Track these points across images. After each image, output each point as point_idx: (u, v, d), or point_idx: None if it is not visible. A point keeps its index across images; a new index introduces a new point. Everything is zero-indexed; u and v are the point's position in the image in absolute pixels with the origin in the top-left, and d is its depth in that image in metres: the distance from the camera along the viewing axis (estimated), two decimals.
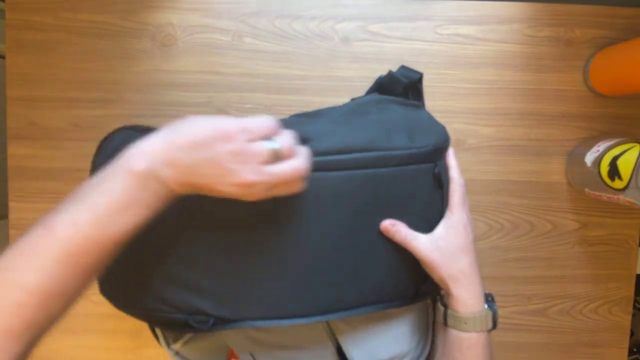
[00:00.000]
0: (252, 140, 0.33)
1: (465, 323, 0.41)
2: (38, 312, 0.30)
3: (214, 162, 0.32)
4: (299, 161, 0.35)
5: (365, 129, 0.44)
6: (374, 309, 0.45)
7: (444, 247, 0.41)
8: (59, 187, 0.60)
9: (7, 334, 0.29)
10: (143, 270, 0.45)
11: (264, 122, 0.34)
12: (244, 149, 0.32)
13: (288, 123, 0.47)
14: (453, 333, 0.42)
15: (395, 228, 0.42)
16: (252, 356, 0.49)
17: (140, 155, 0.32)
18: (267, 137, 0.34)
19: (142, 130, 0.48)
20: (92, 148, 0.50)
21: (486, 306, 0.43)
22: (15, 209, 0.60)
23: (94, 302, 0.61)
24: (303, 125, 0.45)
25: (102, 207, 0.31)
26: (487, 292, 0.44)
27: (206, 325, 0.44)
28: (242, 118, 0.34)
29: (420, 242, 0.41)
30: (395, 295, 0.46)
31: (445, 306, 0.43)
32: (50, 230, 0.30)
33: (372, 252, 0.44)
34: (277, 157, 0.34)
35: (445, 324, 0.43)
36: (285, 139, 0.34)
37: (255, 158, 0.33)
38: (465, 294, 0.41)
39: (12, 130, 0.59)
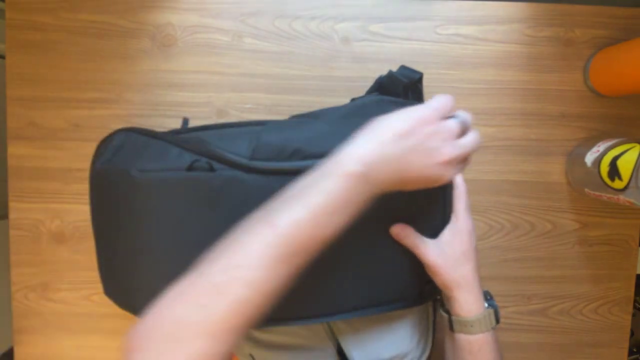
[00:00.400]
0: (443, 118, 0.36)
1: (472, 326, 0.42)
2: (256, 310, 0.30)
3: (420, 146, 0.34)
4: (476, 132, 0.37)
5: None
6: (376, 311, 0.45)
7: (449, 252, 0.42)
8: (59, 187, 0.60)
9: (228, 331, 0.29)
10: (146, 271, 0.45)
11: (445, 99, 0.37)
12: (440, 128, 0.35)
13: (287, 124, 0.47)
14: (461, 337, 0.43)
15: (405, 232, 0.42)
16: (252, 357, 0.49)
17: (354, 158, 0.33)
18: (449, 115, 0.37)
19: (141, 132, 0.48)
20: (92, 148, 0.50)
21: (487, 305, 0.43)
22: (15, 209, 0.60)
23: (94, 302, 0.61)
24: (303, 126, 0.45)
25: (320, 207, 0.31)
26: (484, 290, 0.44)
27: None
28: (427, 101, 0.37)
29: (427, 248, 0.42)
30: (398, 297, 0.46)
31: (448, 312, 0.44)
32: (274, 228, 0.31)
33: (374, 254, 0.44)
34: (464, 130, 0.36)
35: (452, 329, 0.43)
36: (464, 113, 0.37)
37: (451, 133, 0.35)
38: (468, 298, 0.42)
39: (12, 130, 0.59)
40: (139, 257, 0.45)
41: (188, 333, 0.28)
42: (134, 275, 0.45)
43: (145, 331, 0.29)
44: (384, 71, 0.54)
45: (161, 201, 0.43)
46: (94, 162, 0.48)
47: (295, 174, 0.42)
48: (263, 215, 0.32)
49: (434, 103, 0.36)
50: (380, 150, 0.33)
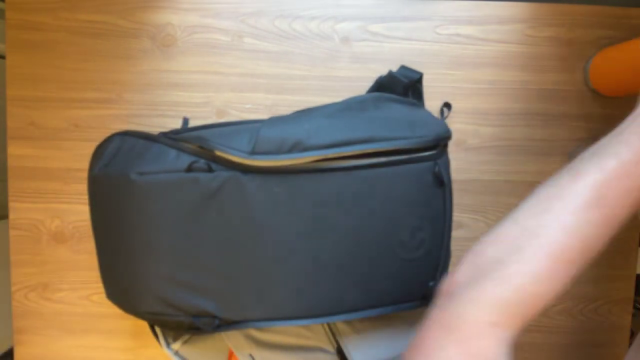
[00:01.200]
0: None
1: None
2: (577, 255, 0.30)
3: None
4: None
5: (364, 123, 0.44)
6: (378, 312, 0.45)
7: None
8: (59, 187, 0.60)
9: (550, 270, 0.30)
10: (147, 272, 0.45)
11: None
12: None
13: (286, 119, 0.47)
14: None
15: None
16: (252, 357, 0.49)
17: None
18: None
19: (137, 135, 0.48)
20: (92, 148, 0.50)
21: None
22: (15, 209, 0.60)
23: (94, 302, 0.61)
24: (302, 120, 0.45)
25: (624, 156, 0.31)
26: None
27: (211, 326, 0.45)
28: None
29: None
30: (401, 299, 0.46)
31: None
32: (578, 176, 0.31)
33: (376, 255, 0.44)
34: None
35: None
36: None
37: None
38: None
39: (12, 130, 0.59)
40: (140, 259, 0.45)
41: (509, 270, 0.29)
42: (136, 278, 0.45)
43: (467, 270, 0.31)
44: (384, 71, 0.54)
45: (161, 203, 0.43)
46: (91, 168, 0.48)
47: (293, 172, 0.43)
48: (565, 171, 0.33)
49: None
50: None
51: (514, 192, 0.62)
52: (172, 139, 0.46)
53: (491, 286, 0.29)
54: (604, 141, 0.33)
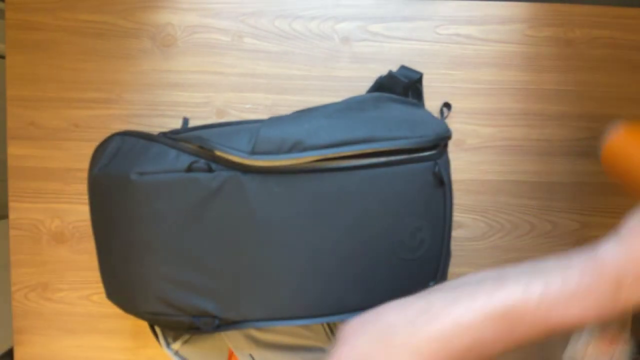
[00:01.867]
0: None
1: None
2: (465, 352, 0.30)
3: None
4: None
5: (364, 123, 0.44)
6: None
7: None
8: (59, 187, 0.60)
9: (435, 351, 0.30)
10: (148, 274, 0.45)
11: None
12: None
13: (286, 119, 0.47)
14: None
15: None
16: (252, 357, 0.49)
17: (614, 261, 0.31)
18: None
19: (137, 135, 0.48)
20: (92, 148, 0.50)
21: None
22: (15, 209, 0.60)
23: (94, 302, 0.61)
24: (301, 120, 0.45)
25: (551, 288, 0.30)
26: None
27: (211, 326, 0.45)
28: None
29: None
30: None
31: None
32: (501, 286, 0.31)
33: (376, 254, 0.44)
34: None
35: None
36: None
37: None
38: None
39: (12, 130, 0.59)
40: (140, 260, 0.45)
41: (397, 341, 0.30)
42: (136, 278, 0.45)
43: (360, 324, 0.32)
44: (384, 71, 0.54)
45: (161, 203, 0.43)
46: (91, 168, 0.48)
47: (293, 172, 0.43)
48: (495, 274, 0.32)
49: None
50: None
51: (514, 192, 0.62)
52: (172, 139, 0.46)
53: (381, 353, 0.30)
54: (550, 261, 0.32)
